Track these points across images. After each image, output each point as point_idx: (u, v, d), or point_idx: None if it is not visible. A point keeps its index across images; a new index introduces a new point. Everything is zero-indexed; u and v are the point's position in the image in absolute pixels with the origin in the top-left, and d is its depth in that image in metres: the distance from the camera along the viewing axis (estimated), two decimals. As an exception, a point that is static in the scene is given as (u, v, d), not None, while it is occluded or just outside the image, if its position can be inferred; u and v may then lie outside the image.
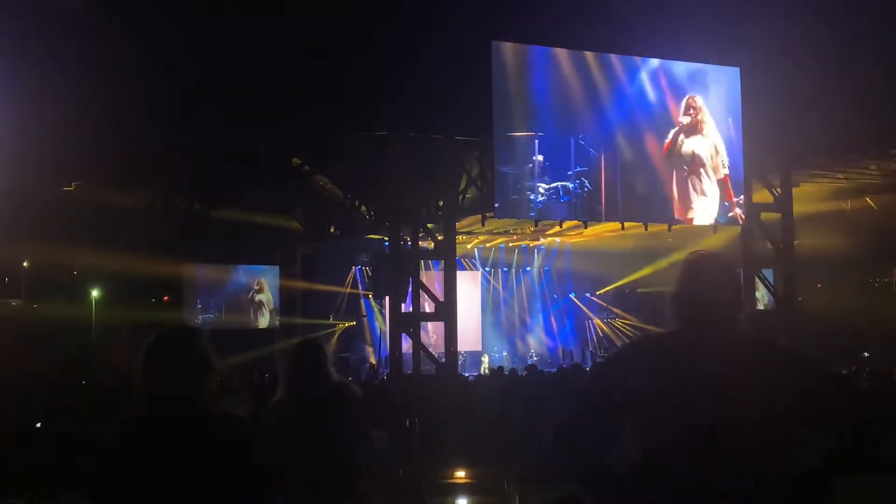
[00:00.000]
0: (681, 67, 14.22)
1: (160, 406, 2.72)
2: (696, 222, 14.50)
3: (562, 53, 13.12)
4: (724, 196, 14.36)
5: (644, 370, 2.61)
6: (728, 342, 2.61)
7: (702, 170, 14.11)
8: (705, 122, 14.25)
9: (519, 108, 12.13)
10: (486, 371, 20.50)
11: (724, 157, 14.37)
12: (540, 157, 11.97)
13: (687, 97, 14.22)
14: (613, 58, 13.51)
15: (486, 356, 22.97)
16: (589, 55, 13.23)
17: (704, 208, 14.20)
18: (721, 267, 2.74)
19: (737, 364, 2.53)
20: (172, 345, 2.80)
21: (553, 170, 12.14)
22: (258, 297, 20.73)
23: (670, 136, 13.92)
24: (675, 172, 13.75)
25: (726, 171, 14.39)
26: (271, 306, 20.87)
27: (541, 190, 11.98)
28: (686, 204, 13.95)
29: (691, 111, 14.15)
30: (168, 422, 2.69)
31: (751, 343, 2.65)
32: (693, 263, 2.74)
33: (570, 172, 12.48)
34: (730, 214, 14.49)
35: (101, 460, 2.69)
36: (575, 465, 2.75)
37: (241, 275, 20.97)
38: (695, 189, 13.83)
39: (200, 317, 19.89)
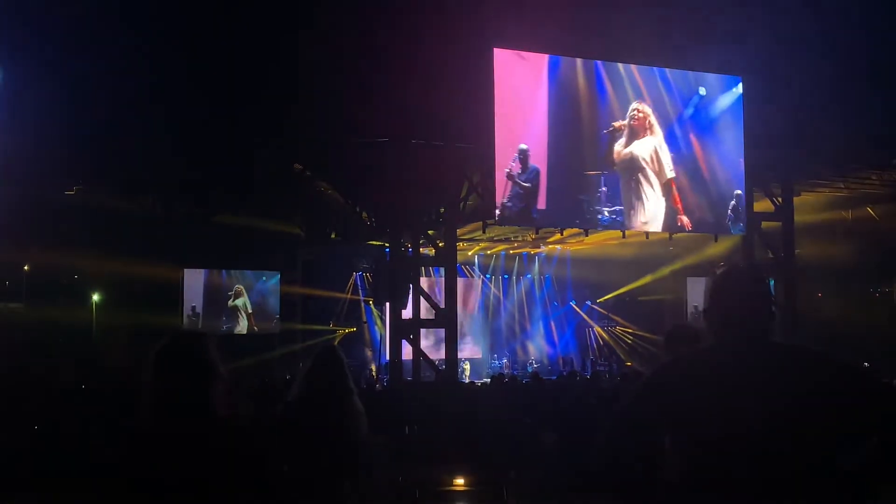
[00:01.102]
0: (708, 117, 15.39)
1: (169, 412, 2.73)
2: (650, 229, 15.01)
3: (607, 76, 14.64)
4: (671, 201, 14.86)
5: (684, 387, 2.63)
6: (763, 353, 2.62)
7: (641, 175, 14.74)
8: (653, 126, 14.82)
9: (590, 151, 14.58)
10: (467, 380, 20.38)
11: (667, 160, 14.88)
12: (605, 188, 14.50)
13: (632, 105, 14.74)
14: (647, 102, 14.87)
15: (468, 363, 22.83)
16: (628, 86, 14.85)
17: (655, 214, 14.82)
18: (752, 279, 2.76)
19: (774, 374, 2.54)
20: (181, 351, 2.81)
21: (612, 197, 14.57)
22: (233, 302, 20.73)
23: (616, 145, 14.61)
24: (621, 179, 14.63)
25: (672, 174, 14.89)
26: (248, 311, 20.85)
27: (605, 212, 14.57)
28: (636, 209, 14.74)
29: (635, 112, 14.74)
30: (176, 428, 2.70)
31: (785, 351, 2.66)
32: (724, 277, 2.76)
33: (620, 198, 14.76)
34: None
35: (110, 465, 2.70)
36: (620, 480, 2.77)
37: (241, 280, 21.01)
38: (641, 193, 14.74)
39: (225, 325, 20.12)
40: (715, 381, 2.59)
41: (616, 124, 14.58)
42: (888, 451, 2.53)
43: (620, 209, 14.49)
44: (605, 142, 14.48)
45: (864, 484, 2.54)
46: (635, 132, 14.69)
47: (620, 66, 14.66)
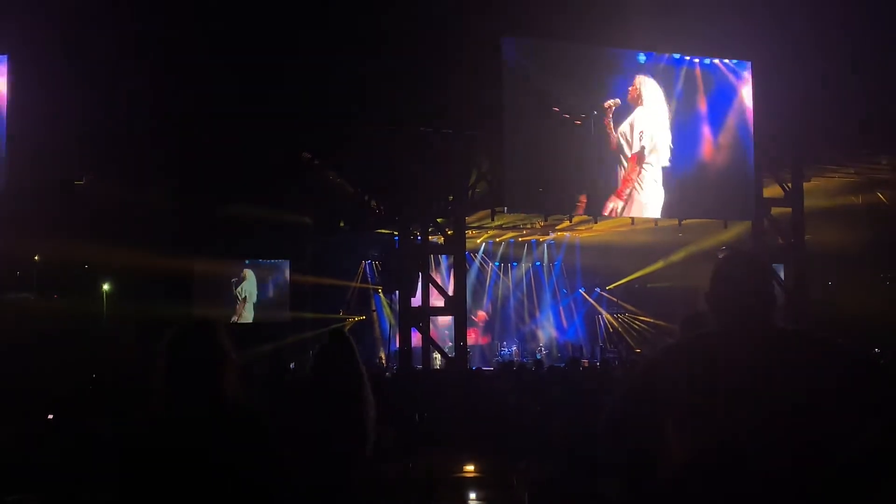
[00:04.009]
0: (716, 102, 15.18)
1: (181, 401, 2.76)
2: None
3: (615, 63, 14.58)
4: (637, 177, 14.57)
5: (685, 372, 2.61)
6: (764, 338, 2.61)
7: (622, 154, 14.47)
8: (643, 102, 14.50)
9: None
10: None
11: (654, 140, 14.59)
12: None
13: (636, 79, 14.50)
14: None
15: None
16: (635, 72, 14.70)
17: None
18: (753, 264, 2.76)
19: (775, 359, 2.53)
20: (192, 339, 2.84)
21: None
22: (236, 290, 20.76)
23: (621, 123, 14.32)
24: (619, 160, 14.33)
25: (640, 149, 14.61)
26: (254, 300, 20.90)
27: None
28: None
29: (630, 89, 14.48)
30: (189, 416, 2.73)
31: (787, 337, 2.65)
32: (725, 262, 2.76)
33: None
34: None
35: (123, 456, 2.73)
36: (621, 464, 2.77)
37: (246, 269, 21.09)
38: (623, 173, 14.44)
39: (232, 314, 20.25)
40: (718, 367, 2.57)
41: (607, 104, 14.26)
42: (890, 441, 2.51)
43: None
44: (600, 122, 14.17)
45: (867, 473, 2.52)
46: (629, 108, 14.40)
47: (628, 52, 14.56)
